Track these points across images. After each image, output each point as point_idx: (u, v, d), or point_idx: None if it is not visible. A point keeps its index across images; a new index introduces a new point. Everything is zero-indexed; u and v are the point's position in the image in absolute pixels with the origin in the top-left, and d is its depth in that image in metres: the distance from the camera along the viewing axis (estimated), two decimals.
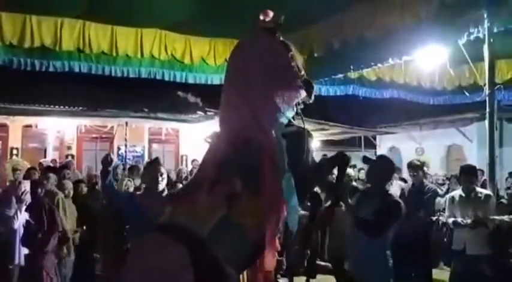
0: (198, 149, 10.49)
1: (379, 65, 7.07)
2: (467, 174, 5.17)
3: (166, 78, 8.17)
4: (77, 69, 7.33)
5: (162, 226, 2.30)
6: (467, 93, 9.38)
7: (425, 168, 7.16)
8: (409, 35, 5.90)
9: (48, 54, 7.02)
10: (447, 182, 9.25)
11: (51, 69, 7.14)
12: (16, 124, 11.48)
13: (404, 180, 7.69)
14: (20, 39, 6.65)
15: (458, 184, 5.62)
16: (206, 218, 2.21)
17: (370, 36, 6.25)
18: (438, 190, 5.90)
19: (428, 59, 7.09)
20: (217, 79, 8.40)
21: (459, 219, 4.99)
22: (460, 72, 9.14)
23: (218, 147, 2.43)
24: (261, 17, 2.61)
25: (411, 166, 5.93)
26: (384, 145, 15.97)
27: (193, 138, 11.50)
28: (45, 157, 11.23)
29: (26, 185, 4.98)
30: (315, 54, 7.33)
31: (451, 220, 5.09)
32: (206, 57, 8.11)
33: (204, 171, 2.44)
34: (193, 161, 9.71)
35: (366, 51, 6.55)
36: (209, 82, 8.45)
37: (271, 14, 2.61)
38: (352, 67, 7.28)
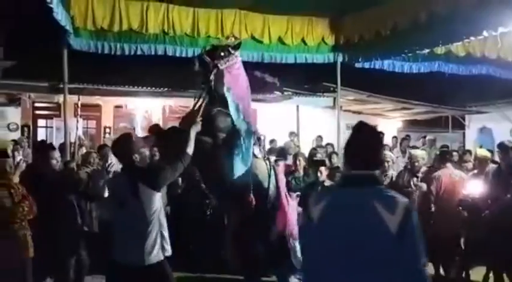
0: (274, 128, 10.60)
1: (472, 38, 6.55)
2: None
3: (245, 58, 8.26)
4: (161, 52, 7.67)
5: None
6: None
7: None
8: (507, 3, 5.37)
9: (136, 37, 7.41)
10: None
11: (139, 52, 7.52)
12: (108, 104, 12.31)
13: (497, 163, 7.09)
14: (110, 23, 7.09)
15: None
16: None
17: (462, 6, 5.79)
18: None
19: None
20: (292, 58, 8.39)
21: None
22: None
23: None
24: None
25: (501, 147, 5.49)
26: (473, 126, 14.85)
27: (269, 118, 11.57)
28: None
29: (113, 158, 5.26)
30: (398, 28, 6.97)
31: None
32: (284, 36, 8.10)
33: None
34: (271, 141, 9.81)
35: (456, 24, 6.08)
36: (283, 61, 8.49)
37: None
38: (441, 41, 6.83)
